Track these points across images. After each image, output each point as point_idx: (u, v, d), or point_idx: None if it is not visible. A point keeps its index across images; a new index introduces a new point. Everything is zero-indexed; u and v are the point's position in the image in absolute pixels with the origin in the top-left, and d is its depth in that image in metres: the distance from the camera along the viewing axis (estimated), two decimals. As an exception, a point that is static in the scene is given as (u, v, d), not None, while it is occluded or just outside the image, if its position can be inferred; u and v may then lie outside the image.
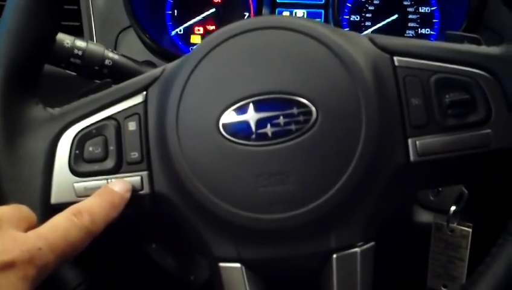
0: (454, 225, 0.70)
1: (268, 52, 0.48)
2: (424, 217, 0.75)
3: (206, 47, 0.49)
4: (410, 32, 0.87)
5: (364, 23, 0.88)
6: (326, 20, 0.87)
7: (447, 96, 0.48)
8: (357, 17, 0.88)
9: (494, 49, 0.50)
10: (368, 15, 0.88)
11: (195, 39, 0.90)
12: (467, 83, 0.49)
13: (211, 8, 0.89)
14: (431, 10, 0.87)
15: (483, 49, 0.51)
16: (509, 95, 0.48)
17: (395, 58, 0.49)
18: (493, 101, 0.48)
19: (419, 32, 0.87)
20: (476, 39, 0.53)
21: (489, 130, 0.48)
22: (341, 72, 0.47)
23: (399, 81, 0.49)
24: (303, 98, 0.46)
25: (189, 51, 0.85)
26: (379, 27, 0.87)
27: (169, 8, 0.90)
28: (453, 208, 0.69)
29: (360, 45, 0.49)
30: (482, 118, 0.48)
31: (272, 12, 0.87)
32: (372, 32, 0.87)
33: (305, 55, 0.48)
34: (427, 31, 0.87)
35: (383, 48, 0.50)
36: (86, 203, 0.45)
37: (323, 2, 0.87)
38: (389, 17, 0.87)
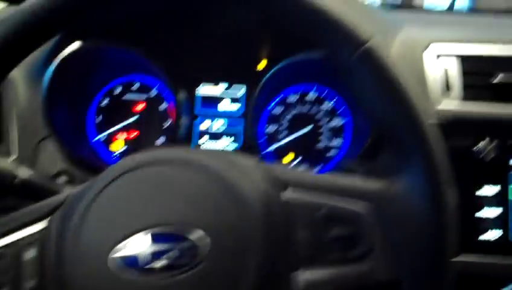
0: None
1: (163, 186, 0.51)
2: None
3: (105, 179, 0.51)
4: (323, 144, 0.92)
5: (280, 134, 0.92)
6: (245, 130, 0.90)
7: (333, 230, 0.51)
8: (273, 128, 0.92)
9: (376, 184, 0.54)
10: (283, 126, 0.92)
11: (116, 146, 0.92)
12: (352, 217, 0.52)
13: (133, 116, 0.92)
14: (342, 123, 0.92)
15: (367, 184, 0.54)
16: (390, 230, 0.52)
17: (286, 191, 0.53)
18: (375, 236, 0.52)
19: (331, 143, 0.92)
20: (366, 170, 0.57)
21: (371, 263, 0.51)
22: (232, 208, 0.50)
23: (288, 214, 0.52)
24: (195, 232, 0.48)
25: (110, 158, 0.88)
26: (294, 138, 0.91)
27: (93, 115, 0.92)
28: None
29: (252, 177, 0.52)
30: (364, 251, 0.51)
31: (193, 120, 0.91)
32: (287, 143, 0.91)
33: (200, 190, 0.50)
34: (339, 142, 0.92)
35: (276, 181, 0.53)
36: None
37: (242, 112, 0.91)
38: (302, 129, 0.92)
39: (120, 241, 0.48)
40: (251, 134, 0.89)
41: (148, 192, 0.51)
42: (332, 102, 0.92)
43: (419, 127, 0.52)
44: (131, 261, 0.47)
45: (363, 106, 0.57)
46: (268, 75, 0.85)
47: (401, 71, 0.76)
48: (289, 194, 0.53)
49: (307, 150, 0.91)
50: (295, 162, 0.91)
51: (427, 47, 0.81)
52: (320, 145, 0.92)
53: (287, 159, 0.91)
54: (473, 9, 1.21)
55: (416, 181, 0.52)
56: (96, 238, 0.49)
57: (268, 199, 0.52)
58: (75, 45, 0.79)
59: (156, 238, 0.48)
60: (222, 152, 0.57)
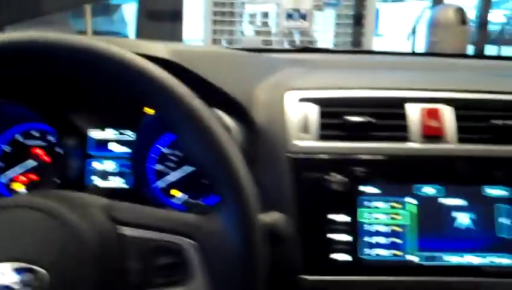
0: None
1: (13, 227, 0.60)
2: None
3: None
4: (207, 179, 1.00)
5: (168, 172, 1.00)
6: (134, 169, 0.99)
7: (160, 259, 0.60)
8: (161, 167, 1.01)
9: (197, 219, 0.63)
10: (170, 165, 1.00)
11: (17, 186, 1.00)
12: (175, 249, 0.61)
13: (32, 160, 1.00)
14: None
15: (190, 220, 0.63)
16: (209, 259, 0.61)
17: (123, 228, 0.62)
18: (196, 264, 0.61)
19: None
20: (201, 206, 0.67)
21: (191, 287, 0.60)
22: (71, 246, 0.59)
23: (123, 248, 0.61)
24: (38, 266, 0.57)
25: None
26: (181, 175, 1.00)
27: (-3, 159, 1.00)
28: None
29: (92, 218, 0.62)
30: (186, 277, 0.61)
31: (83, 161, 0.99)
32: (175, 179, 1.00)
33: (44, 231, 0.60)
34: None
35: (114, 220, 0.62)
36: None
37: (130, 153, 1.00)
38: (189, 166, 1.00)
39: None
40: (139, 173, 0.97)
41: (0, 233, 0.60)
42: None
43: (231, 172, 0.61)
44: None
45: (186, 153, 0.66)
46: (149, 119, 0.94)
47: (260, 112, 0.86)
48: (124, 231, 0.62)
49: (194, 185, 1.00)
50: (183, 196, 1.00)
51: (289, 91, 0.91)
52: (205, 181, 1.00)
53: (175, 194, 1.00)
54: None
55: (230, 218, 0.62)
56: None
57: (105, 236, 0.61)
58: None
59: (3, 272, 0.56)
60: (68, 195, 0.66)
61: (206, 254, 0.62)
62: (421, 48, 5.40)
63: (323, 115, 0.89)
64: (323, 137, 0.87)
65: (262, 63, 1.04)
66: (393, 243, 0.84)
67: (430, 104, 0.90)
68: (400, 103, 0.90)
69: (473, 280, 0.84)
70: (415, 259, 0.84)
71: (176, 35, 3.88)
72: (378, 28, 11.00)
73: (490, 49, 7.05)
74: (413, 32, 6.24)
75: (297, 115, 0.89)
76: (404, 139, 0.88)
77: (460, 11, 4.51)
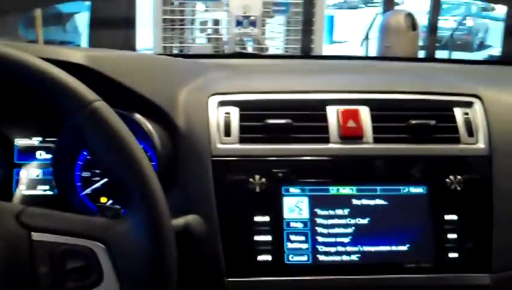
0: None
1: None
2: None
3: None
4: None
5: (94, 178, 1.00)
6: (57, 177, 0.98)
7: (69, 263, 0.61)
8: (87, 173, 1.01)
9: (106, 222, 0.64)
10: (96, 171, 1.00)
11: None
12: (84, 252, 0.62)
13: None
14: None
15: (98, 224, 0.64)
16: (118, 261, 0.61)
17: (32, 233, 0.62)
18: (104, 267, 0.61)
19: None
20: (116, 210, 0.67)
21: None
22: None
23: (32, 252, 0.61)
24: None
25: None
26: (106, 181, 1.00)
27: None
28: None
29: (1, 224, 0.61)
30: (95, 280, 0.61)
31: (11, 169, 0.99)
32: (101, 186, 1.00)
33: None
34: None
35: (24, 225, 0.62)
36: None
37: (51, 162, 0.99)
38: (114, 173, 1.00)
39: None
40: (65, 180, 0.97)
41: None
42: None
43: (140, 176, 0.62)
44: None
45: (94, 157, 0.67)
46: (66, 126, 0.93)
47: (182, 116, 0.87)
48: (34, 236, 0.62)
49: (118, 191, 1.00)
50: (109, 203, 1.00)
51: (211, 96, 0.92)
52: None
53: (102, 200, 1.00)
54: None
55: (138, 220, 0.62)
56: None
57: (13, 242, 0.61)
58: None
59: None
60: None
61: (115, 256, 0.62)
62: (374, 53, 5.48)
63: (243, 118, 0.90)
64: (244, 140, 0.89)
65: (187, 67, 1.05)
66: (315, 243, 0.86)
67: (348, 106, 0.92)
68: (321, 105, 0.92)
69: (394, 277, 0.86)
70: (336, 258, 0.86)
71: (128, 44, 3.86)
72: (333, 35, 11.19)
73: (441, 54, 7.22)
74: (366, 38, 6.35)
75: (220, 119, 0.90)
76: (325, 140, 0.90)
77: (410, 17, 4.60)
